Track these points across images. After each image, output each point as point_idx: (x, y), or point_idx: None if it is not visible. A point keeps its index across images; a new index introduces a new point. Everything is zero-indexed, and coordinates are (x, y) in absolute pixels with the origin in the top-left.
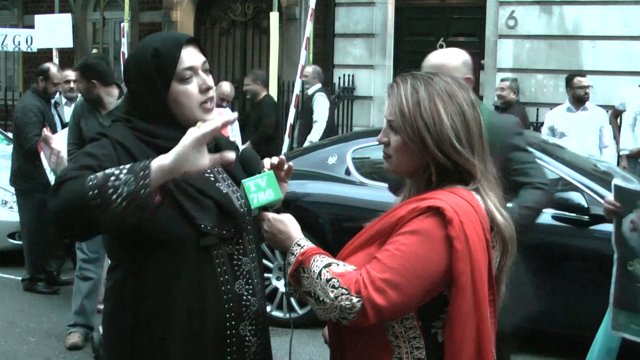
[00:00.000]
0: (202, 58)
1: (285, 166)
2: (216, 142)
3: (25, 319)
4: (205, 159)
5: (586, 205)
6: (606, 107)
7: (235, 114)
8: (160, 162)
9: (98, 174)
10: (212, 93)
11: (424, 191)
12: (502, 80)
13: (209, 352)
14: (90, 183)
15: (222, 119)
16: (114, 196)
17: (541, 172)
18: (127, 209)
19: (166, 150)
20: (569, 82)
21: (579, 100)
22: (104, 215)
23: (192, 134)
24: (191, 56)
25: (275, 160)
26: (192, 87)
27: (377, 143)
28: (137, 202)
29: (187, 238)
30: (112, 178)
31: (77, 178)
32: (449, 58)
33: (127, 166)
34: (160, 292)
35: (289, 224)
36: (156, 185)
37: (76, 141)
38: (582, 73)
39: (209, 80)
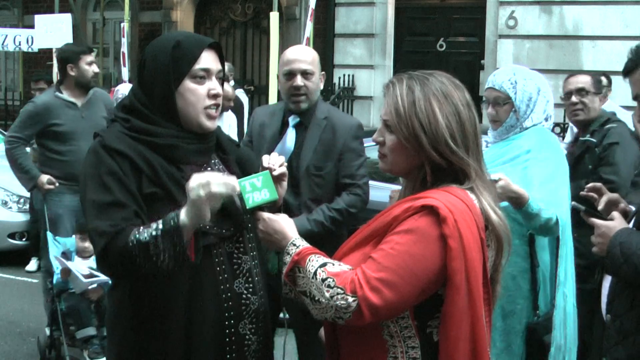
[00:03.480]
0: (220, 66)
1: (281, 169)
2: (217, 140)
3: (25, 319)
4: (218, 202)
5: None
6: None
7: (238, 188)
8: (186, 223)
9: (137, 239)
10: (219, 101)
11: (419, 190)
12: None
13: (208, 350)
14: (134, 252)
15: (231, 185)
16: (159, 262)
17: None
18: (170, 267)
19: (162, 147)
20: None
21: None
22: (152, 271)
23: (199, 194)
24: (210, 60)
25: (275, 159)
26: (202, 89)
27: (375, 143)
28: (179, 262)
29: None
30: (152, 247)
31: (119, 235)
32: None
33: (159, 231)
34: (159, 291)
35: (285, 223)
36: (188, 240)
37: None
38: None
39: (219, 88)
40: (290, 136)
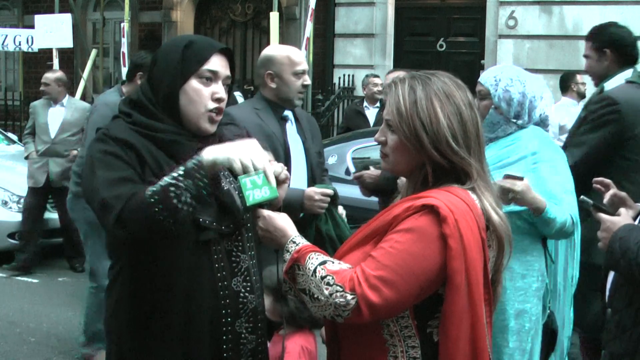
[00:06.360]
0: (228, 72)
1: (286, 174)
2: (220, 141)
3: (25, 319)
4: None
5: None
6: None
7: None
8: (209, 158)
9: (155, 186)
10: (222, 105)
11: (420, 190)
12: (371, 76)
13: (205, 347)
14: (152, 200)
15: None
16: (179, 204)
17: None
18: (193, 211)
19: (164, 142)
20: (570, 80)
21: (582, 96)
22: (174, 224)
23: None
24: (219, 64)
25: (279, 168)
26: (207, 90)
27: (377, 143)
28: (200, 202)
29: (187, 232)
30: (172, 188)
31: (133, 196)
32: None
33: (180, 172)
34: (157, 286)
35: (285, 221)
36: (210, 178)
37: None
38: (577, 72)
39: (224, 93)
40: (294, 130)
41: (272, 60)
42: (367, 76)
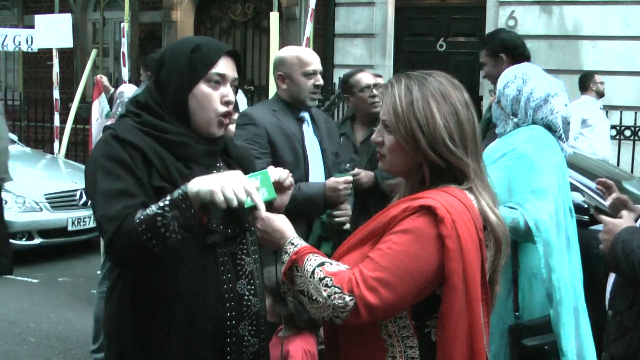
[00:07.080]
0: (235, 74)
1: (290, 180)
2: (225, 145)
3: (25, 319)
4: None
5: (586, 206)
6: (606, 107)
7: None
8: (193, 190)
9: (143, 214)
10: (231, 108)
11: (418, 191)
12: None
13: (208, 349)
14: (140, 228)
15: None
16: (167, 233)
17: None
18: (183, 239)
19: (173, 144)
20: (589, 80)
21: (601, 95)
22: (164, 249)
23: (221, 187)
24: (227, 66)
25: (284, 174)
26: (216, 94)
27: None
28: (189, 231)
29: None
30: (159, 218)
31: (126, 219)
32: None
33: (167, 201)
34: (162, 287)
35: (283, 223)
36: (197, 208)
37: None
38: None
39: (232, 96)
40: (311, 132)
41: (283, 61)
42: None
